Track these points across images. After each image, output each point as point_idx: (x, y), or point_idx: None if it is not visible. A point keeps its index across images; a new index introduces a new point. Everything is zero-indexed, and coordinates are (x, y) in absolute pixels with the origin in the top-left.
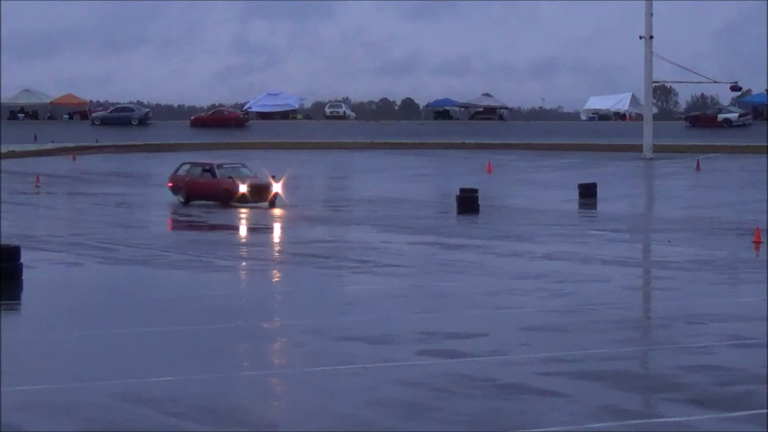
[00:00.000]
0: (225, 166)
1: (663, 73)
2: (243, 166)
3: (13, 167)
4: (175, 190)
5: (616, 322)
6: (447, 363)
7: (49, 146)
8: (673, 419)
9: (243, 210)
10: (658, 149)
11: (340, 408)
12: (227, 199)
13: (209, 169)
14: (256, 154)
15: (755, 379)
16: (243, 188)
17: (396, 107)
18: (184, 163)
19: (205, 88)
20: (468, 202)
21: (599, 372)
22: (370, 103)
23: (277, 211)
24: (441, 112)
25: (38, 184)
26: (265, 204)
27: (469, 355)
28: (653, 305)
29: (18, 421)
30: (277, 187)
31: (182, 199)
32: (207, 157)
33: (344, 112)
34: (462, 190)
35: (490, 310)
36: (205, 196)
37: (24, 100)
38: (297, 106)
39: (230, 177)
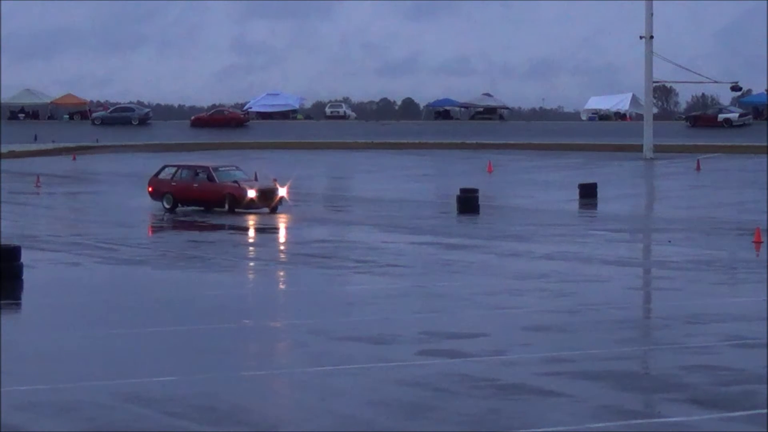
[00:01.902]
0: (221, 169)
1: (663, 73)
2: (237, 168)
3: (13, 167)
4: (156, 195)
5: (616, 322)
6: (447, 363)
7: (49, 146)
8: (673, 419)
9: (243, 212)
10: (658, 149)
11: (340, 408)
12: (232, 204)
13: (204, 173)
14: (256, 154)
15: (755, 379)
16: (252, 193)
17: (396, 107)
18: (167, 166)
19: (205, 88)
20: (468, 202)
21: (599, 372)
22: (370, 103)
23: (277, 213)
24: (441, 112)
25: (38, 184)
26: (268, 209)
27: (469, 355)
28: (653, 305)
29: (18, 421)
30: (282, 192)
31: (168, 205)
32: (206, 157)
33: (344, 112)
34: (462, 190)
35: (490, 310)
36: (201, 201)
37: (24, 100)
38: (297, 106)
39: (235, 181)
